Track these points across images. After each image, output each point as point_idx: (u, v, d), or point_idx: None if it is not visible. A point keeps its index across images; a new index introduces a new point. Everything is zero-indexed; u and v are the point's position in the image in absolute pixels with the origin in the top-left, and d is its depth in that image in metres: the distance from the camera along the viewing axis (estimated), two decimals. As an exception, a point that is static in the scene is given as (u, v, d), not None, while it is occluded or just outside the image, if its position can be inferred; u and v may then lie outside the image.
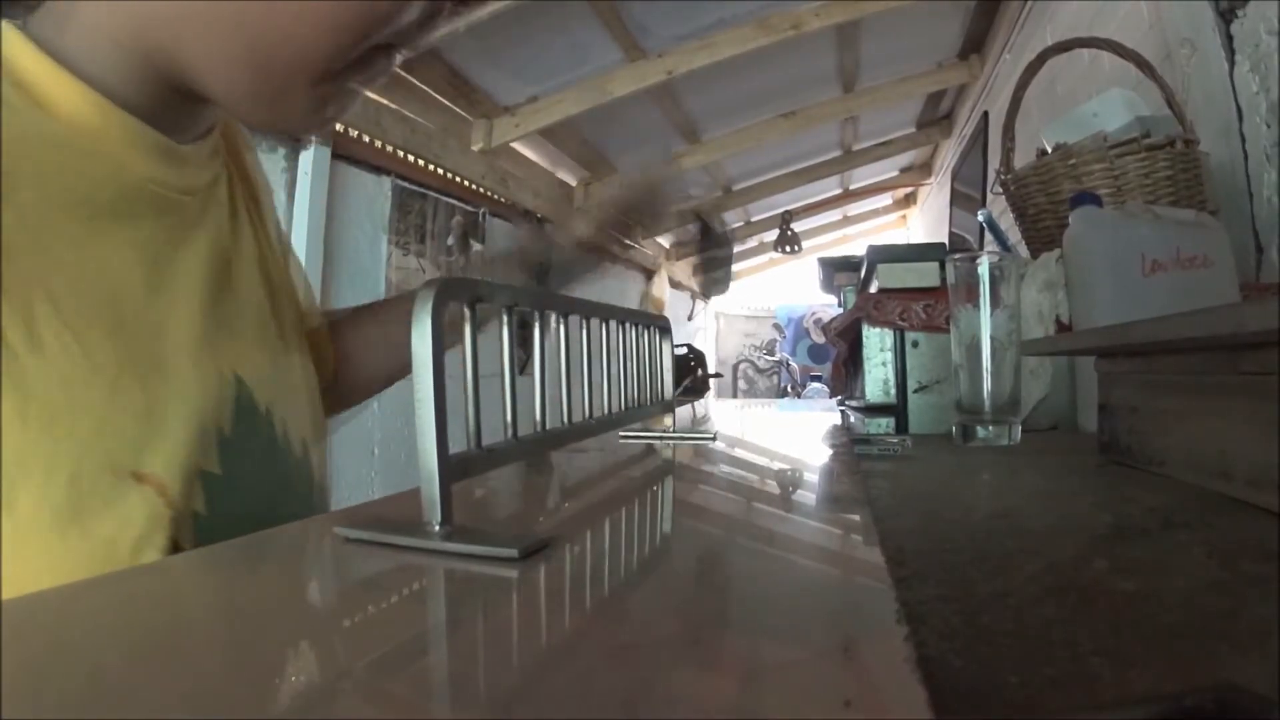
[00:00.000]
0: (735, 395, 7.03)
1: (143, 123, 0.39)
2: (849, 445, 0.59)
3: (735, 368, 7.44)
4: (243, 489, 0.43)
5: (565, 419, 0.39)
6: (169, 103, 0.41)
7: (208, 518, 0.39)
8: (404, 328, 0.59)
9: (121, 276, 0.38)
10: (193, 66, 0.39)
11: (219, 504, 0.40)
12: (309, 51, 0.38)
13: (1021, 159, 0.98)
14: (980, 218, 1.14)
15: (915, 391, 0.77)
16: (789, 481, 0.50)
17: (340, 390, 0.64)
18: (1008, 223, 1.04)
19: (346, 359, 0.63)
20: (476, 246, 3.08)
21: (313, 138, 2.22)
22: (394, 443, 2.44)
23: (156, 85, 0.40)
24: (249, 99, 0.40)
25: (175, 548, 0.37)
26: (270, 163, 2.17)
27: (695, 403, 1.64)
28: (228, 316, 0.45)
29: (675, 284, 5.29)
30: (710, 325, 7.14)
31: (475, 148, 2.95)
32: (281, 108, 0.40)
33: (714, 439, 0.60)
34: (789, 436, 0.90)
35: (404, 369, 0.63)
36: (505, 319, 0.34)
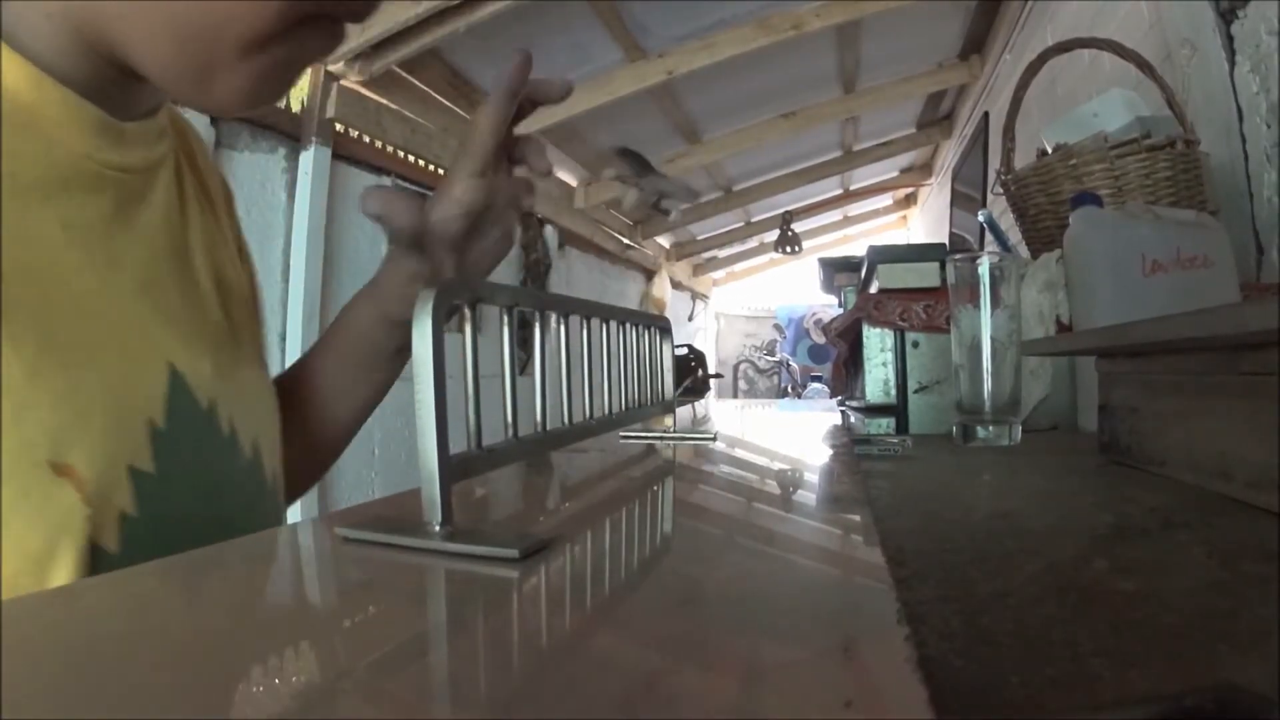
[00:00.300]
0: (735, 395, 7.03)
1: (80, 97, 0.38)
2: (849, 445, 0.59)
3: (735, 368, 7.44)
4: (181, 488, 0.40)
5: (565, 419, 0.39)
6: (107, 78, 0.39)
7: (138, 518, 0.36)
8: (358, 349, 0.56)
9: (51, 255, 0.36)
10: (119, 39, 0.37)
11: (151, 503, 0.37)
12: (234, 23, 0.36)
13: (1022, 159, 0.99)
14: (980, 218, 1.14)
15: (915, 392, 0.77)
16: (789, 482, 0.50)
17: (320, 443, 0.59)
18: (1008, 223, 1.04)
19: (323, 407, 0.59)
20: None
21: (313, 139, 2.22)
22: (394, 443, 2.44)
23: (92, 59, 0.38)
24: (176, 73, 0.38)
25: (94, 550, 0.34)
26: (270, 163, 2.17)
27: (695, 403, 1.64)
28: (168, 305, 0.42)
29: (676, 284, 5.29)
30: (710, 325, 7.14)
31: (476, 148, 2.94)
32: (210, 82, 0.38)
33: (714, 439, 0.60)
34: (789, 437, 0.90)
35: (374, 389, 0.59)
36: (505, 319, 0.34)
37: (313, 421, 0.58)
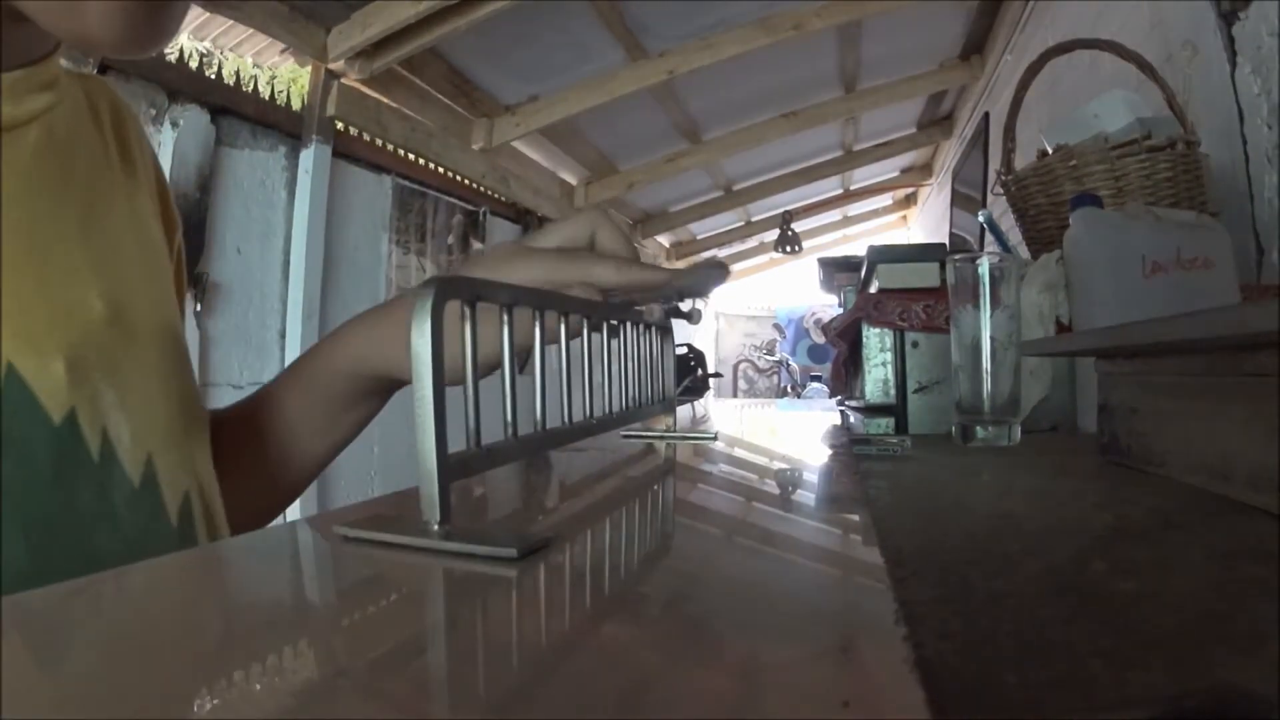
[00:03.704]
0: (735, 395, 7.03)
1: None
2: (848, 445, 0.59)
3: (735, 367, 7.45)
4: (12, 529, 0.32)
5: (565, 418, 0.39)
6: None
7: None
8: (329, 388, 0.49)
9: None
10: None
11: None
12: None
13: (1022, 160, 0.98)
14: (981, 218, 1.14)
15: (915, 392, 0.77)
16: (788, 481, 0.50)
17: (285, 475, 0.53)
18: (1008, 223, 1.04)
19: (291, 433, 0.52)
20: (477, 245, 3.08)
21: (314, 136, 2.22)
22: (394, 441, 2.44)
23: None
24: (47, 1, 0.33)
25: None
26: (270, 161, 2.17)
27: (695, 402, 1.64)
28: (19, 289, 0.35)
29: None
30: (710, 325, 7.14)
31: (476, 146, 2.95)
32: (81, 12, 0.33)
33: (715, 439, 0.60)
34: (789, 436, 0.90)
35: (350, 422, 0.53)
36: (505, 318, 0.34)
37: (275, 457, 0.52)
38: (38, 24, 0.35)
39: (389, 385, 0.52)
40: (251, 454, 0.51)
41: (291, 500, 0.56)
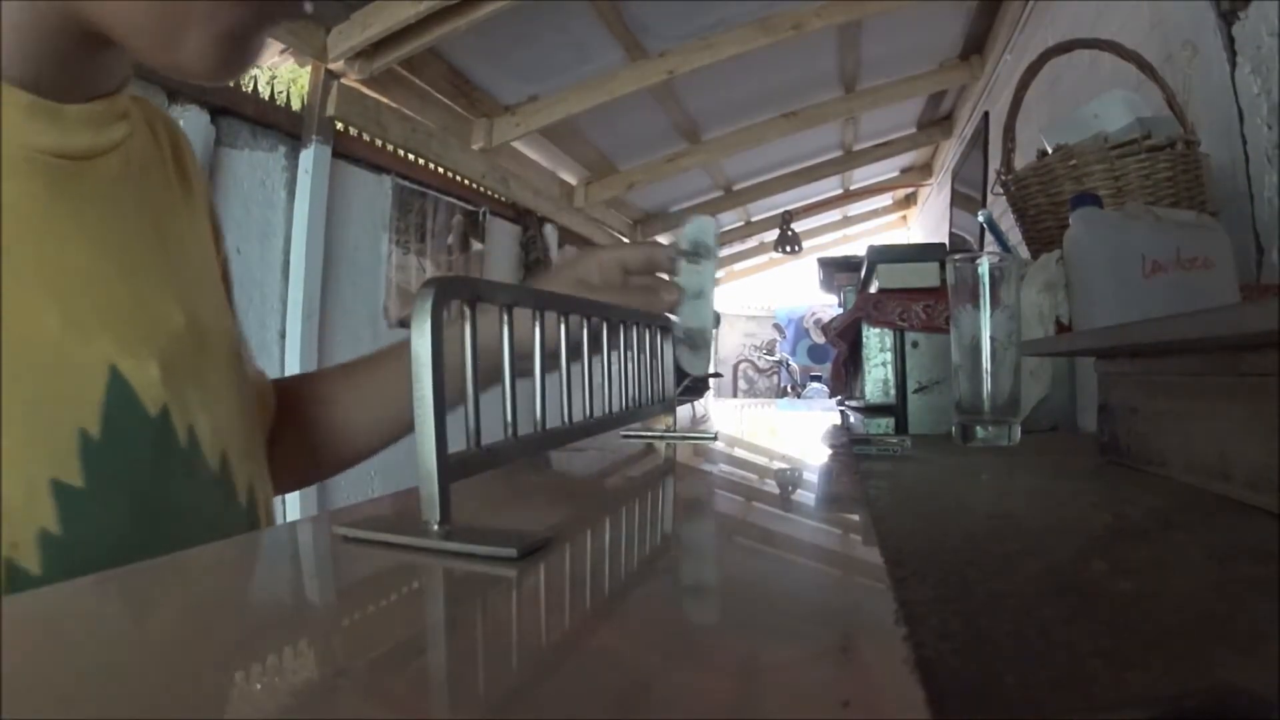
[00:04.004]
0: (735, 395, 7.03)
1: (5, 81, 0.35)
2: (848, 445, 0.59)
3: (735, 367, 7.45)
4: (118, 506, 0.36)
5: (565, 418, 0.39)
6: (50, 57, 0.37)
7: (63, 537, 0.34)
8: (403, 379, 0.56)
9: None
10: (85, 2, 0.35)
11: (80, 522, 0.34)
12: None
13: (1022, 160, 0.98)
14: (980, 218, 1.14)
15: (915, 392, 0.77)
16: (788, 481, 0.50)
17: (325, 454, 0.59)
18: (1008, 223, 1.04)
19: (333, 418, 0.58)
20: (477, 245, 3.08)
21: (314, 137, 2.22)
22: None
23: (35, 36, 0.36)
24: (145, 31, 0.36)
25: (13, 569, 0.32)
26: (270, 161, 2.17)
27: (695, 402, 1.64)
28: (115, 301, 0.39)
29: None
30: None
31: (476, 147, 2.95)
32: (179, 42, 0.36)
33: (715, 439, 0.60)
34: (789, 436, 0.90)
35: (405, 427, 0.58)
36: (505, 318, 0.34)
37: (324, 440, 0.57)
38: (133, 55, 0.38)
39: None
40: (299, 428, 0.56)
41: (330, 475, 0.61)
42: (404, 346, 0.59)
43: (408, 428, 0.57)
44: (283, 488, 0.55)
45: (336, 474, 0.61)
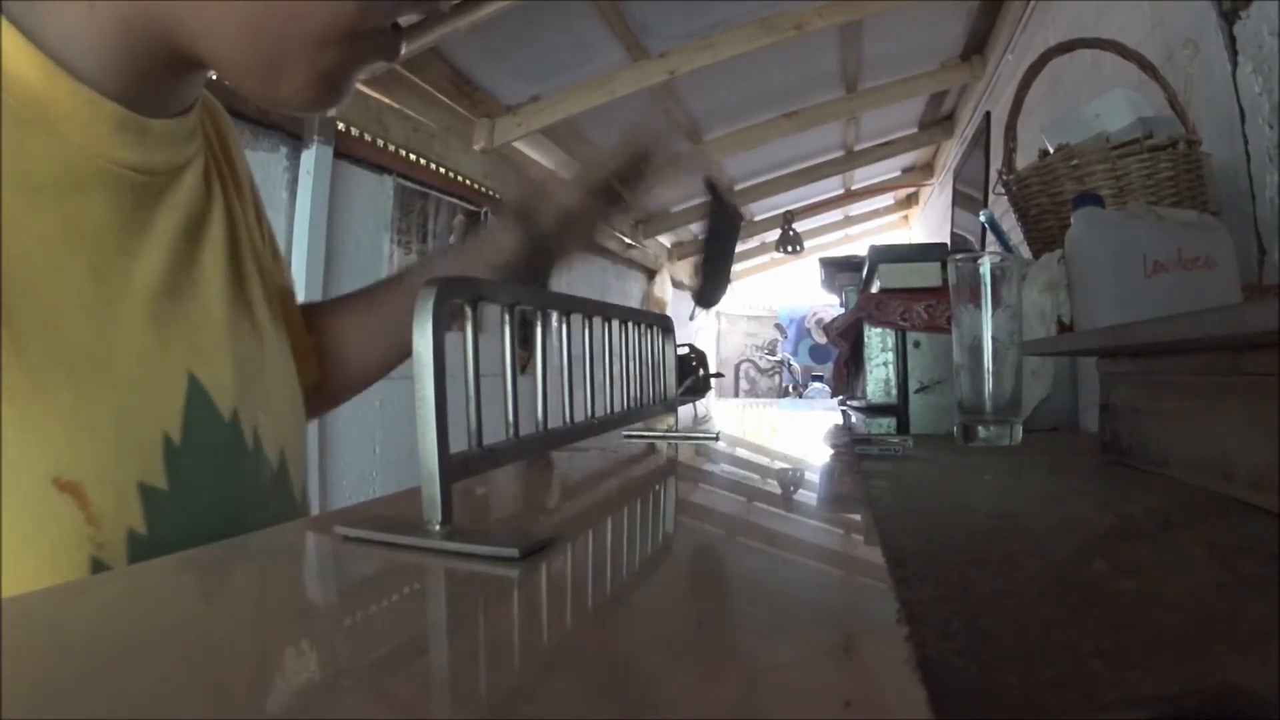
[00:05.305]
0: (737, 395, 7.03)
1: (96, 93, 0.36)
2: (850, 445, 0.59)
3: (737, 367, 7.44)
4: (197, 506, 0.38)
5: (567, 418, 0.39)
6: (141, 72, 0.38)
7: (148, 537, 0.35)
8: (403, 305, 0.57)
9: (60, 260, 0.35)
10: (186, 31, 0.36)
11: (164, 522, 0.36)
12: (313, 20, 0.36)
13: (1023, 159, 0.98)
14: (982, 218, 1.14)
15: (917, 392, 0.77)
16: (790, 481, 0.50)
17: (330, 387, 0.60)
18: (1010, 223, 1.04)
19: (337, 351, 0.59)
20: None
21: (316, 137, 2.22)
22: (395, 441, 2.44)
23: (126, 51, 0.37)
24: (247, 66, 0.38)
25: (99, 568, 0.33)
26: (272, 162, 2.17)
27: (697, 402, 1.64)
28: (188, 310, 0.41)
29: (677, 284, 5.29)
30: (712, 325, 7.14)
31: (477, 147, 2.95)
32: (279, 78, 0.38)
33: (716, 439, 0.60)
34: (791, 436, 0.90)
35: (403, 351, 0.59)
36: (506, 318, 0.34)
37: (326, 362, 0.59)
38: (234, 88, 0.40)
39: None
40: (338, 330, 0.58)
41: (330, 408, 0.63)
42: (401, 276, 0.62)
43: (404, 354, 0.59)
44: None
45: (327, 410, 0.63)
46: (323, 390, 0.60)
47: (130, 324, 0.37)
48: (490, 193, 3.14)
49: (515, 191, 0.56)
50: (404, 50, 0.42)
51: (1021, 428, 0.63)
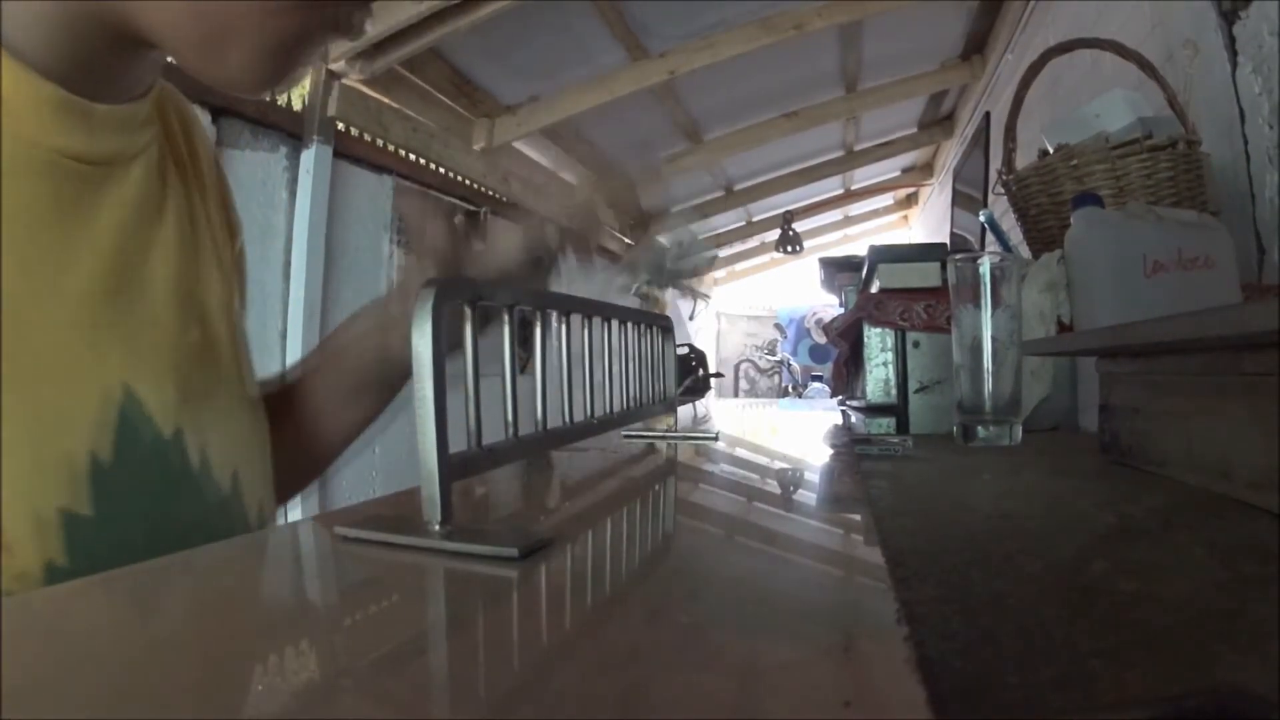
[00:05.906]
0: (736, 395, 7.03)
1: (36, 75, 0.33)
2: (850, 445, 0.59)
3: (737, 367, 7.44)
4: (127, 533, 0.34)
5: (566, 418, 0.39)
6: (85, 51, 0.35)
7: (69, 569, 0.31)
8: (365, 367, 0.53)
9: None
10: (130, 4, 0.34)
11: (88, 552, 0.32)
12: None
13: (1023, 159, 0.98)
14: (982, 218, 1.14)
15: (916, 392, 0.77)
16: (790, 481, 0.50)
17: (307, 462, 0.55)
18: (1009, 223, 1.04)
19: (314, 420, 0.54)
20: (478, 246, 3.08)
21: (315, 137, 2.22)
22: (395, 440, 2.44)
23: (73, 31, 0.34)
24: (191, 40, 0.35)
25: None
26: (272, 162, 2.17)
27: (696, 402, 1.64)
28: (129, 315, 0.37)
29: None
30: (712, 325, 7.15)
31: (477, 147, 2.95)
32: (224, 53, 0.35)
33: (716, 439, 0.60)
34: (790, 436, 0.90)
35: (375, 410, 0.55)
36: (506, 318, 0.34)
37: (299, 437, 0.54)
38: (181, 66, 0.37)
39: (400, 372, 0.53)
40: (279, 435, 0.52)
41: (313, 479, 0.58)
42: (348, 327, 0.55)
43: (377, 411, 0.56)
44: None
45: (308, 478, 0.58)
46: (296, 468, 0.55)
47: (59, 328, 0.33)
48: (490, 192, 3.15)
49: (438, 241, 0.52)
50: (368, 27, 0.39)
51: (1021, 428, 0.63)
